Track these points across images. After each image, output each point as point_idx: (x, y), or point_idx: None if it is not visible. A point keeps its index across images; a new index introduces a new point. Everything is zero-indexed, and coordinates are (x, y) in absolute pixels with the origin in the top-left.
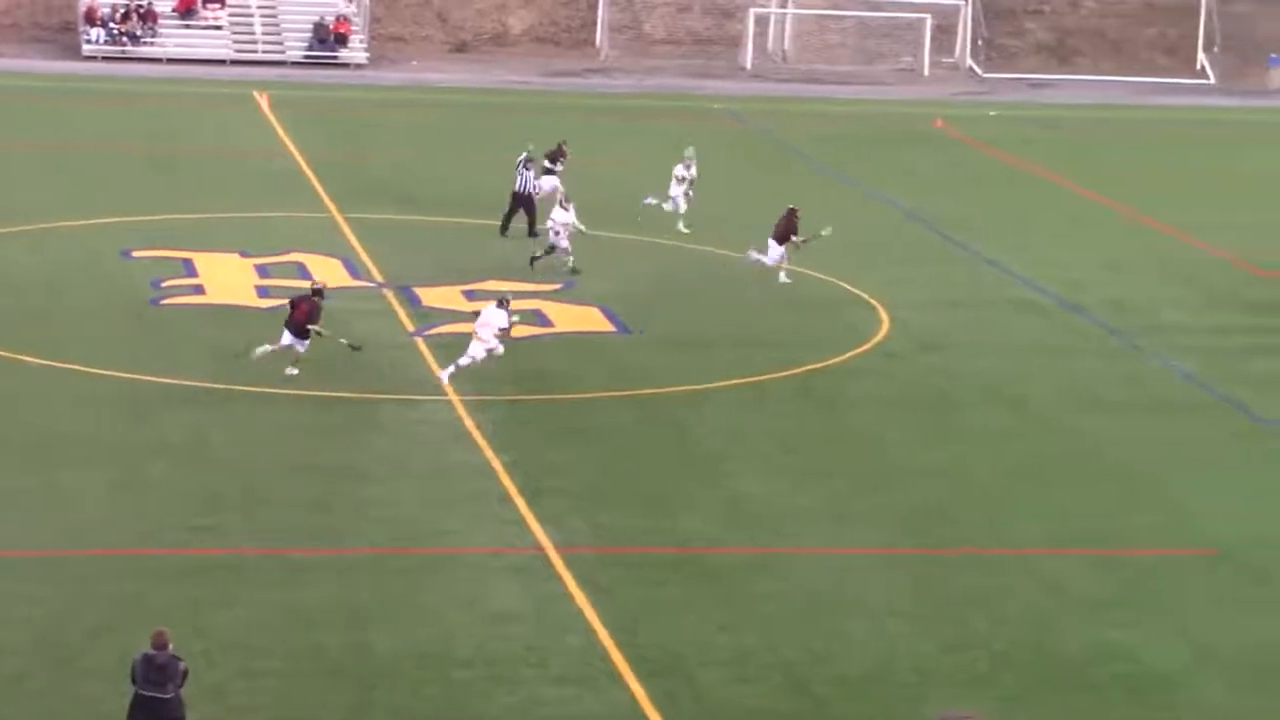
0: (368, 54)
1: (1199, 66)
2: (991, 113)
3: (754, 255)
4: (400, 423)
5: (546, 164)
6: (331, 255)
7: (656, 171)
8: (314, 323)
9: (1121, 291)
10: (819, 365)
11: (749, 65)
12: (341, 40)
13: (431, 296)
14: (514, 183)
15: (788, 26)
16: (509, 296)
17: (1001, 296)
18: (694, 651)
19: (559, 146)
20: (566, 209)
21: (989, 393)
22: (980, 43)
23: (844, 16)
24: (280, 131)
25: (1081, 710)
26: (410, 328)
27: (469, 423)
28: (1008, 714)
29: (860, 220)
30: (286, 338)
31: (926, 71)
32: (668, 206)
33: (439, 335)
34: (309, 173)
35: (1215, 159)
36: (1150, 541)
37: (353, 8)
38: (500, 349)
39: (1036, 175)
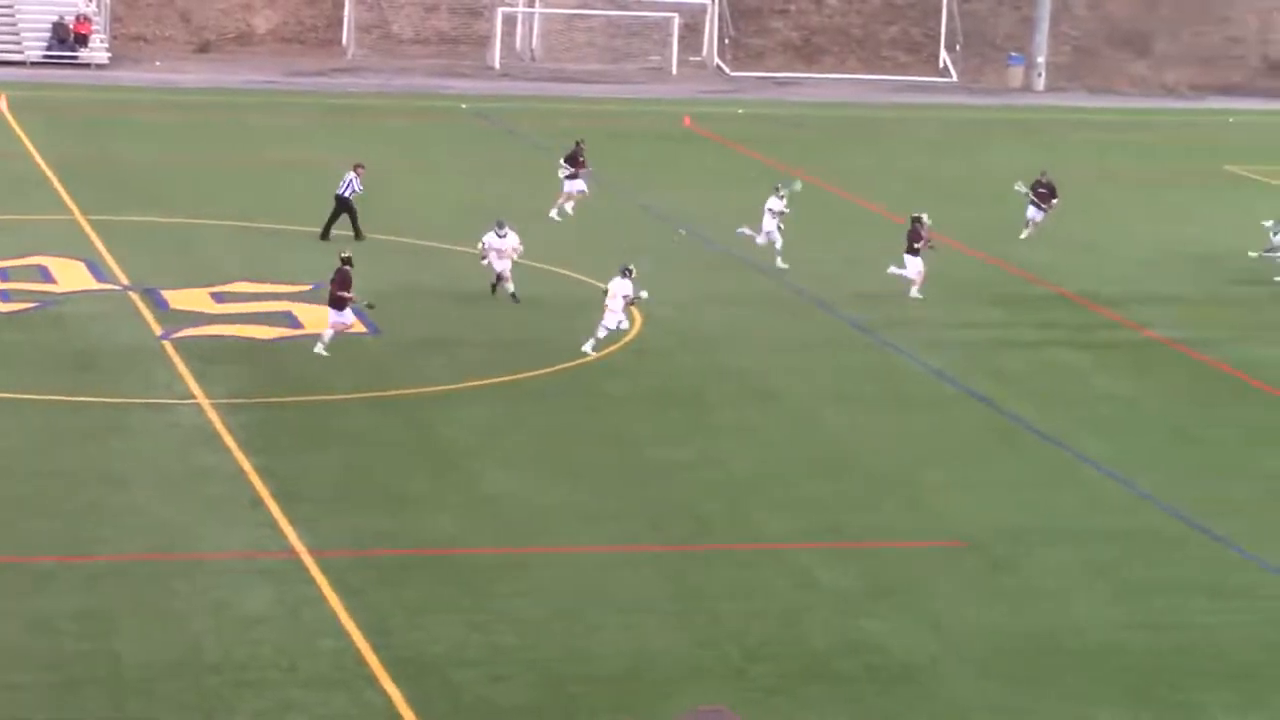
0: (109, 54)
1: (941, 65)
2: (739, 111)
3: (746, 231)
4: (149, 427)
5: (566, 168)
6: (75, 258)
7: (405, 171)
8: (346, 289)
9: (870, 287)
10: (572, 364)
11: (497, 64)
12: (82, 40)
13: (179, 299)
14: (338, 187)
15: (535, 26)
16: (631, 266)
17: (750, 291)
18: (448, 652)
19: (576, 146)
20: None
21: (741, 388)
22: (727, 41)
23: (592, 16)
24: (20, 133)
25: (832, 701)
26: (157, 330)
27: (219, 426)
28: (760, 707)
29: (609, 219)
30: (334, 316)
31: (675, 70)
32: (760, 240)
33: (187, 338)
34: (50, 175)
35: (958, 156)
36: (899, 534)
37: (93, 7)
38: (626, 321)
39: (783, 173)
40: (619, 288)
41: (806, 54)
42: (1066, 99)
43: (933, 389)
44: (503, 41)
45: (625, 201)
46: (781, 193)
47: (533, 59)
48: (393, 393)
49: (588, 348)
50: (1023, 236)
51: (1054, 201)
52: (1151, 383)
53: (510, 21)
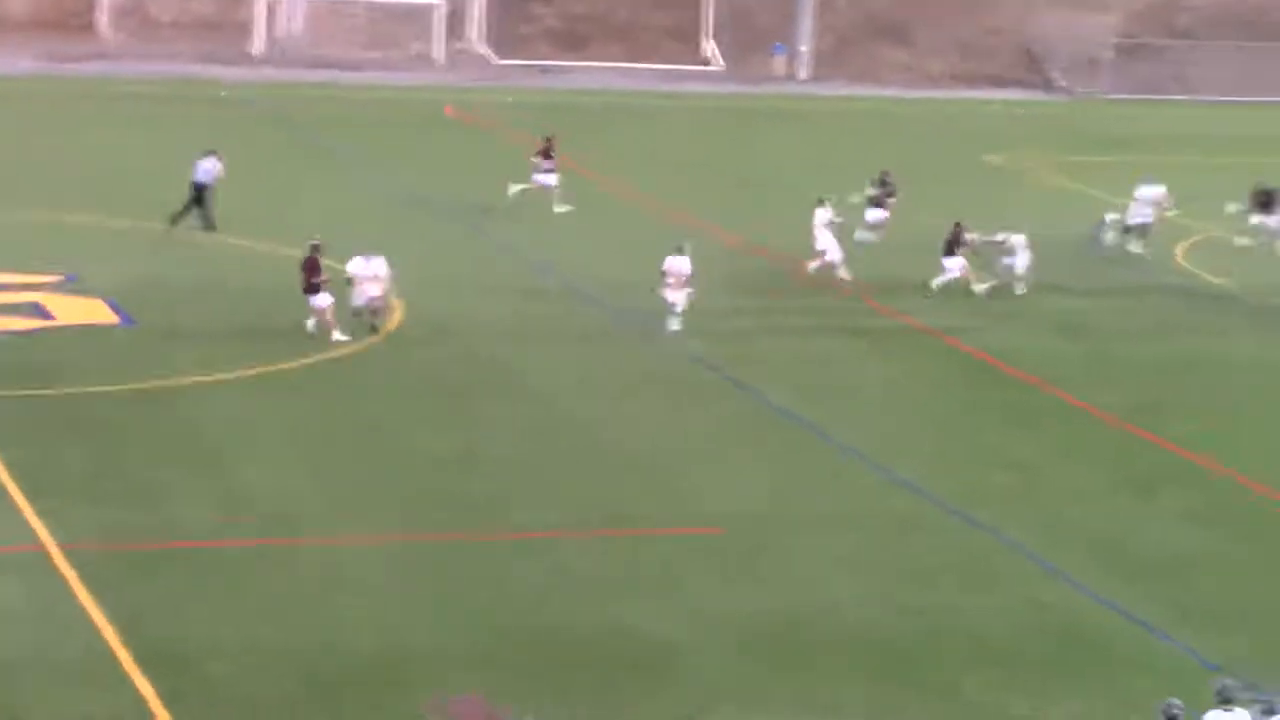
0: None
1: (706, 53)
2: (506, 99)
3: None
4: None
5: (541, 164)
6: None
7: (163, 159)
8: (316, 275)
9: (631, 275)
10: (331, 354)
11: (259, 50)
12: None
13: None
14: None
15: (299, 11)
16: (684, 244)
17: (513, 282)
18: (201, 645)
19: (548, 142)
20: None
21: (499, 378)
22: (493, 29)
23: (356, 2)
24: None
25: (589, 687)
26: None
27: None
28: (515, 694)
29: (372, 207)
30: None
31: (440, 57)
32: (835, 256)
33: None
34: None
35: (723, 145)
36: (655, 521)
37: None
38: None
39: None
40: (678, 265)
41: (572, 41)
42: (829, 88)
43: (692, 376)
44: (265, 27)
45: (388, 190)
46: (831, 203)
47: (296, 45)
48: (144, 384)
49: (672, 326)
50: (858, 238)
51: (891, 200)
52: (910, 370)
53: (273, 7)
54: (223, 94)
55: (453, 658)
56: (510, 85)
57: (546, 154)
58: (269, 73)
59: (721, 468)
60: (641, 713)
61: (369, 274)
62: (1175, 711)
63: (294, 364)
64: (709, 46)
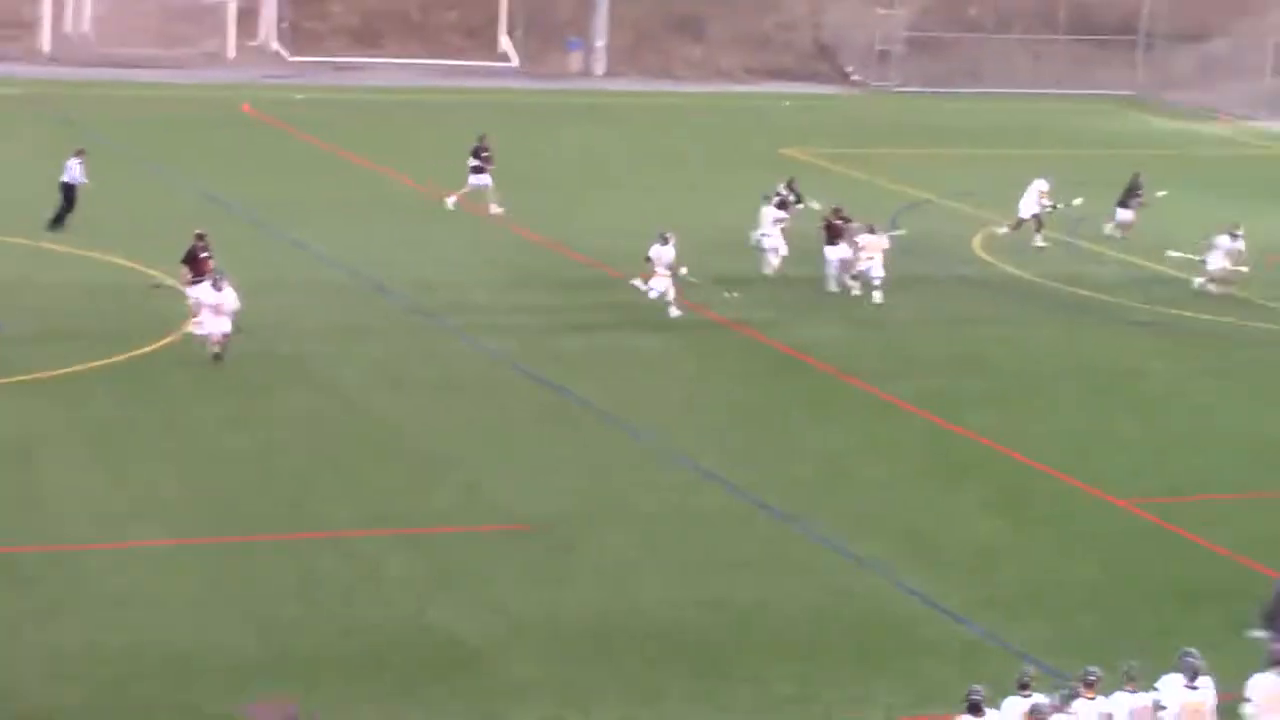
0: None
1: (501, 49)
2: (298, 96)
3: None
4: None
5: (474, 163)
6: None
7: None
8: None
9: (429, 272)
10: (129, 355)
11: (47, 48)
12: None
13: None
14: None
15: (88, 9)
16: (669, 234)
17: (310, 278)
18: (5, 652)
19: (481, 141)
20: None
21: (298, 375)
22: (286, 26)
23: None
24: None
25: (398, 687)
26: None
27: None
28: (325, 696)
29: (165, 206)
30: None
31: (232, 55)
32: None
33: None
34: None
35: (520, 140)
36: (461, 519)
37: None
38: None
39: (343, 158)
40: (661, 255)
41: (366, 38)
42: (625, 83)
43: (492, 373)
44: (52, 25)
45: (183, 187)
46: (891, 232)
47: (85, 43)
48: None
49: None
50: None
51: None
52: (713, 363)
53: (60, 4)
54: (12, 92)
55: (263, 661)
56: (305, 82)
57: (479, 154)
58: (58, 70)
59: (527, 465)
60: (451, 712)
61: (219, 302)
62: (977, 698)
63: (91, 365)
64: (505, 42)
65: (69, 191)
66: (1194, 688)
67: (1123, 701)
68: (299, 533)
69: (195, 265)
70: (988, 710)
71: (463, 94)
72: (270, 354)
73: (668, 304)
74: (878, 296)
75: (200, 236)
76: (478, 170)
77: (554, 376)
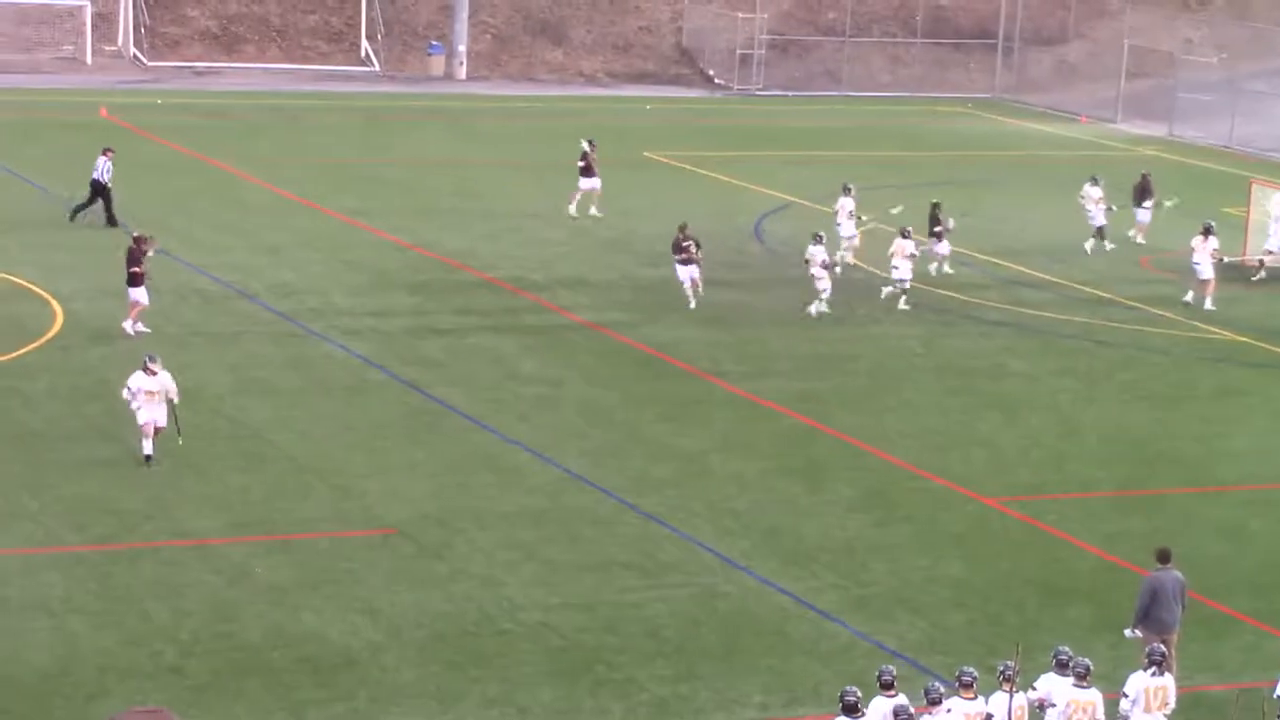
0: None
1: (363, 54)
2: (156, 101)
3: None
4: None
5: (582, 164)
6: None
7: None
8: (137, 266)
9: (290, 276)
10: None
11: None
12: None
13: None
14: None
15: None
16: (821, 233)
17: (172, 284)
18: None
19: (590, 145)
20: None
21: None
22: (143, 30)
23: (0, 4)
24: None
25: (269, 694)
26: None
27: None
28: (195, 703)
29: (23, 211)
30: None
31: (89, 59)
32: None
33: None
34: None
35: (381, 144)
36: (329, 524)
37: None
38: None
39: (204, 163)
40: (815, 254)
41: (226, 43)
42: (488, 87)
43: (356, 376)
44: None
45: (40, 193)
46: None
47: None
48: None
49: (813, 309)
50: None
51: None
52: (574, 365)
53: None
54: None
55: (130, 669)
56: (163, 88)
57: (587, 157)
58: None
59: (390, 467)
60: (324, 716)
61: (153, 387)
62: (852, 698)
63: None
64: (366, 47)
65: (96, 187)
66: (1084, 686)
67: (1001, 701)
68: (167, 540)
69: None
70: (863, 710)
71: (324, 98)
72: (133, 361)
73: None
74: (903, 303)
75: (138, 239)
76: (586, 172)
77: (418, 379)
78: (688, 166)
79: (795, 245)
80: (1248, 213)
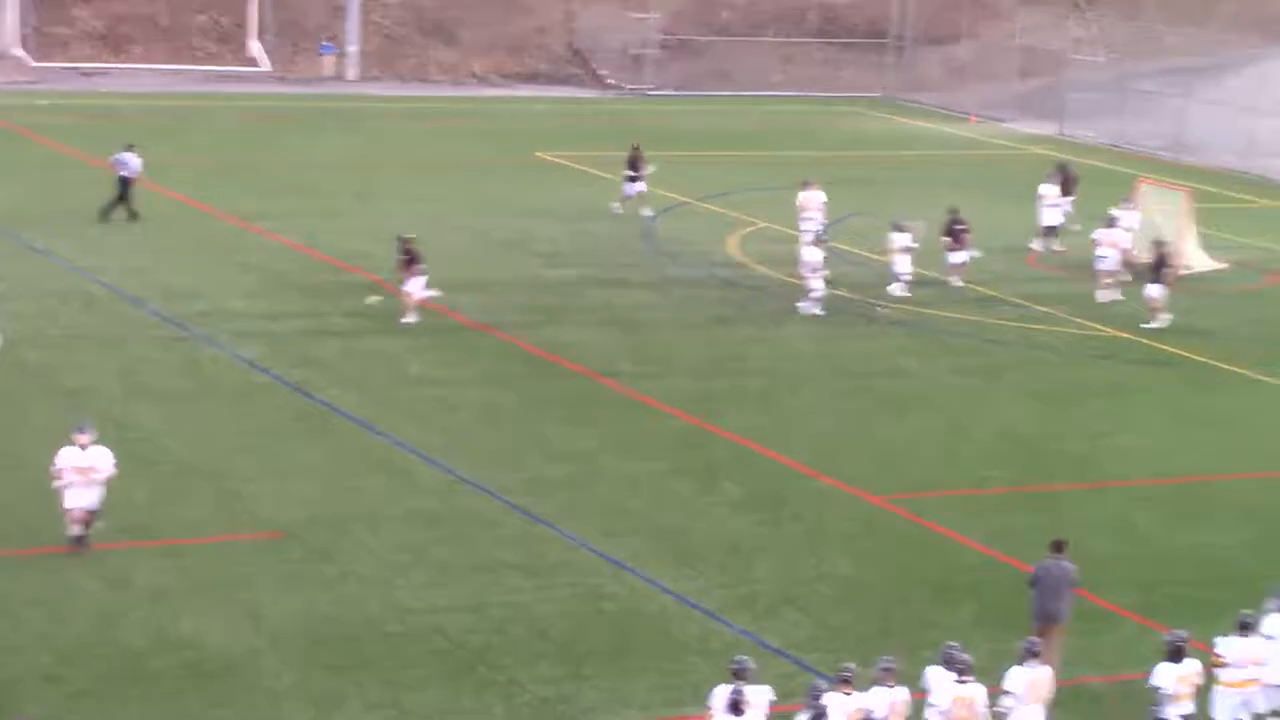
0: None
1: (252, 54)
2: (42, 102)
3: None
4: None
5: (629, 172)
6: None
7: None
8: None
9: (178, 279)
10: None
11: None
12: None
13: None
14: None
15: None
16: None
17: (55, 287)
18: None
19: (634, 150)
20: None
21: (48, 386)
22: (29, 31)
23: None
24: None
25: (150, 700)
26: None
27: None
28: (74, 710)
29: None
30: None
31: None
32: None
33: None
34: None
35: (270, 145)
36: (214, 529)
37: None
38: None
39: (90, 165)
40: (898, 240)
41: (113, 43)
42: (379, 88)
43: (245, 379)
44: None
45: None
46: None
47: None
48: None
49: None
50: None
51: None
52: (466, 367)
53: None
54: None
55: (7, 678)
56: (49, 88)
57: (634, 164)
58: None
59: (278, 470)
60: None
61: (89, 464)
62: (736, 696)
63: None
64: (255, 47)
65: (124, 184)
66: (964, 681)
67: (881, 696)
68: (48, 546)
69: None
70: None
71: (213, 99)
72: (20, 365)
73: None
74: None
75: None
76: (633, 179)
77: (307, 382)
78: (581, 167)
79: (687, 245)
80: (1136, 210)
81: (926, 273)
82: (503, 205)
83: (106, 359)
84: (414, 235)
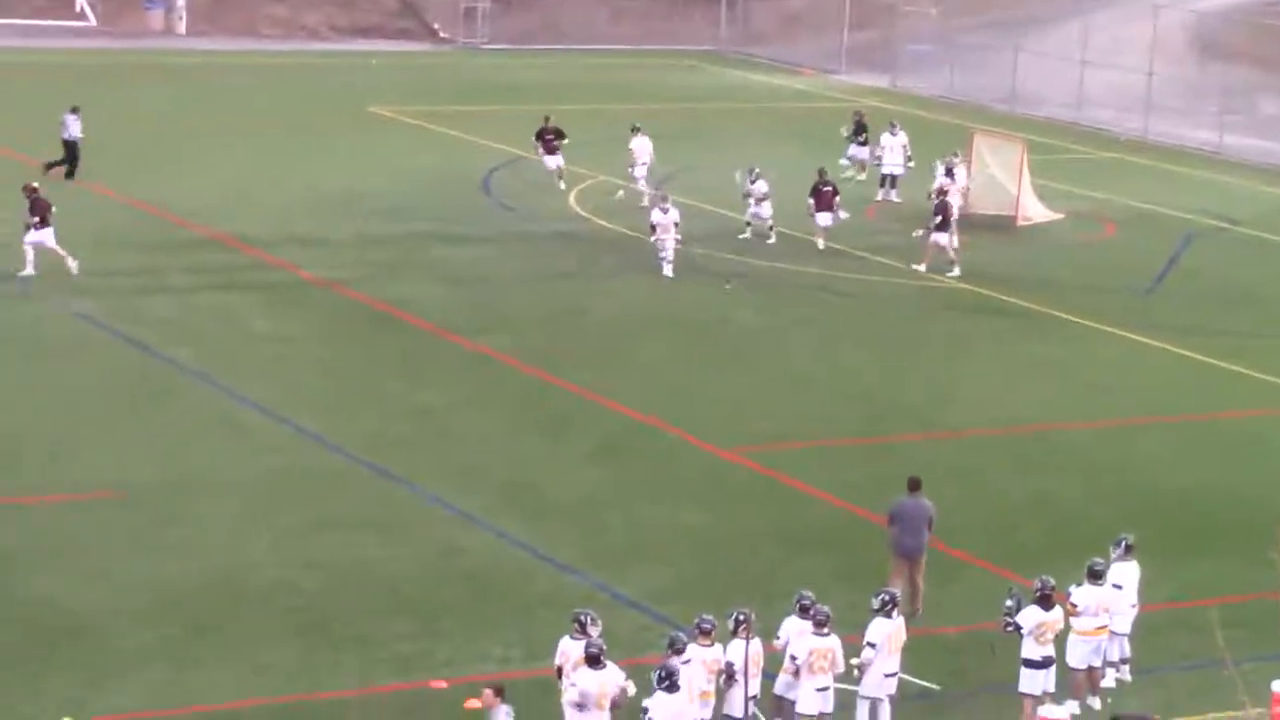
0: None
1: (79, 8)
2: None
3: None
4: None
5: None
6: None
7: None
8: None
9: (9, 234)
10: None
11: None
12: None
13: None
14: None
15: None
16: (667, 197)
17: None
18: None
19: (546, 123)
20: None
21: None
22: None
23: None
24: None
25: None
26: None
27: None
28: None
29: None
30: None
31: None
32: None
33: None
34: None
35: (101, 102)
36: (55, 489)
37: None
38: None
39: None
40: (663, 219)
41: None
42: (209, 42)
43: (80, 337)
44: None
45: None
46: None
47: None
48: None
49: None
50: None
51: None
52: (306, 323)
53: None
54: None
55: None
56: None
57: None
58: None
59: (117, 430)
60: (57, 683)
61: None
62: (594, 650)
63: None
64: (82, 2)
65: (70, 147)
66: (823, 634)
67: (738, 648)
68: None
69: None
70: (605, 662)
71: (40, 55)
72: None
73: (668, 261)
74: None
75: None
76: (550, 151)
77: (144, 339)
78: (414, 121)
79: (524, 199)
80: (970, 163)
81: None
82: (338, 161)
83: None
84: (39, 185)
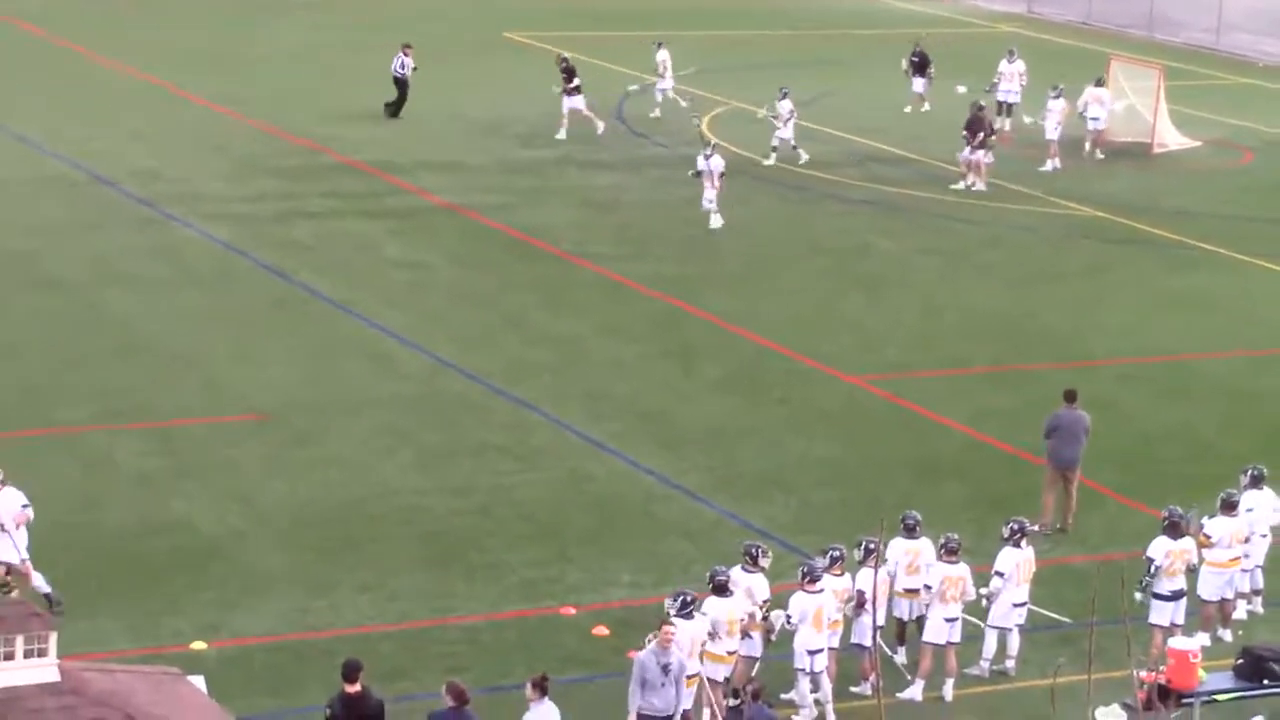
0: None
1: None
2: None
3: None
4: None
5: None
6: None
7: None
8: None
9: (153, 163)
10: None
11: None
12: None
13: None
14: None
15: None
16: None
17: (32, 173)
18: None
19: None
20: None
21: (29, 274)
22: None
23: None
24: None
25: (140, 582)
26: None
27: None
28: (61, 589)
29: None
30: None
31: None
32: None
33: None
34: None
35: (245, 30)
36: (198, 411)
37: None
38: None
39: (64, 48)
40: (713, 165)
41: None
42: None
43: (221, 263)
44: None
45: None
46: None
47: None
48: None
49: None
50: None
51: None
52: (443, 250)
53: None
54: None
55: None
56: None
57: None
58: None
59: (258, 354)
60: (196, 603)
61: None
62: (723, 578)
63: None
64: None
65: (400, 84)
66: (953, 561)
67: (868, 577)
68: (35, 429)
69: None
70: (732, 590)
71: None
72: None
73: (716, 211)
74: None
75: None
76: (572, 92)
77: (283, 265)
78: (548, 47)
79: (661, 125)
80: (1110, 90)
81: (896, 151)
82: (471, 85)
83: (87, 244)
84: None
